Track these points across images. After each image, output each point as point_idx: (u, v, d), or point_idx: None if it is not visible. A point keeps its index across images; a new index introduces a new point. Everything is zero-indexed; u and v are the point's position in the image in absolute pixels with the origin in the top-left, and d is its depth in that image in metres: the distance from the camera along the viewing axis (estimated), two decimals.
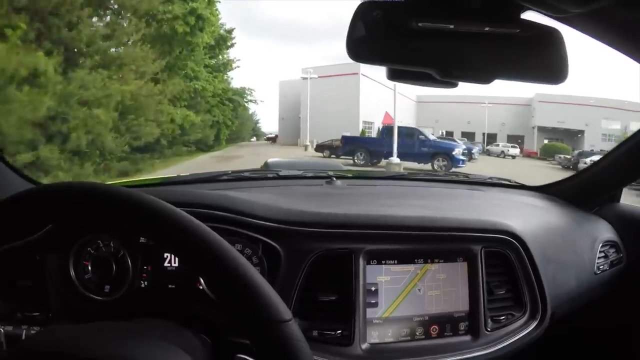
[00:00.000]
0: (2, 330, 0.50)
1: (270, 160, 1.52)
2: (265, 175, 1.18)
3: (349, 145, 15.46)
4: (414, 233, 0.77)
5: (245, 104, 26.52)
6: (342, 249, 0.74)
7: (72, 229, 0.76)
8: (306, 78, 28.45)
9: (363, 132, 26.06)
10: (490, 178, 1.33)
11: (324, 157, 16.60)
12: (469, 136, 31.70)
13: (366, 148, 14.94)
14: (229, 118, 22.71)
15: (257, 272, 0.39)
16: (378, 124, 28.13)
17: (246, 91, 25.80)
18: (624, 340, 1.10)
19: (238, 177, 1.12)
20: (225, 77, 23.94)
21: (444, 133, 30.90)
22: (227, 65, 23.29)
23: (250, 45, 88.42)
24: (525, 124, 33.46)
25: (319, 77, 27.60)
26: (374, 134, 26.56)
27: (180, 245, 0.39)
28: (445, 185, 1.22)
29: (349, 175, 1.27)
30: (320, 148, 18.73)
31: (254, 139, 43.50)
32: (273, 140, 36.74)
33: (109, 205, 0.41)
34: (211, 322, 0.68)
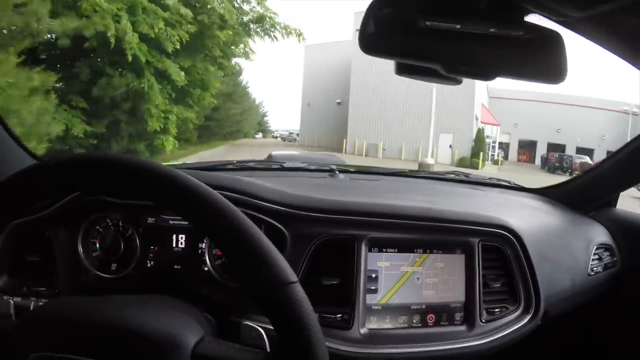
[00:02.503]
0: (11, 302, 0.52)
1: (274, 152, 1.55)
2: (270, 166, 1.20)
3: None
4: (415, 223, 0.79)
5: (246, 39, 10.14)
6: (346, 235, 0.76)
7: (83, 206, 0.78)
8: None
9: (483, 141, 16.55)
10: (490, 178, 1.35)
11: None
12: (556, 148, 22.83)
13: None
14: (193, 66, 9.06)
15: (265, 237, 0.41)
16: (479, 123, 19.51)
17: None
18: (614, 342, 1.12)
19: (243, 167, 1.14)
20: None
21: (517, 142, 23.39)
22: None
23: None
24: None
25: None
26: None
27: (194, 211, 0.41)
28: (446, 183, 1.24)
29: (352, 169, 1.30)
30: None
31: (260, 135, 36.49)
32: (286, 139, 29.33)
33: (125, 174, 0.42)
34: (215, 302, 0.71)
